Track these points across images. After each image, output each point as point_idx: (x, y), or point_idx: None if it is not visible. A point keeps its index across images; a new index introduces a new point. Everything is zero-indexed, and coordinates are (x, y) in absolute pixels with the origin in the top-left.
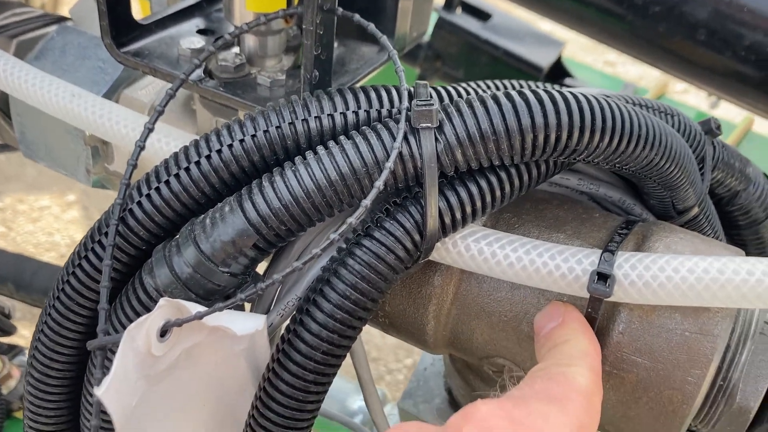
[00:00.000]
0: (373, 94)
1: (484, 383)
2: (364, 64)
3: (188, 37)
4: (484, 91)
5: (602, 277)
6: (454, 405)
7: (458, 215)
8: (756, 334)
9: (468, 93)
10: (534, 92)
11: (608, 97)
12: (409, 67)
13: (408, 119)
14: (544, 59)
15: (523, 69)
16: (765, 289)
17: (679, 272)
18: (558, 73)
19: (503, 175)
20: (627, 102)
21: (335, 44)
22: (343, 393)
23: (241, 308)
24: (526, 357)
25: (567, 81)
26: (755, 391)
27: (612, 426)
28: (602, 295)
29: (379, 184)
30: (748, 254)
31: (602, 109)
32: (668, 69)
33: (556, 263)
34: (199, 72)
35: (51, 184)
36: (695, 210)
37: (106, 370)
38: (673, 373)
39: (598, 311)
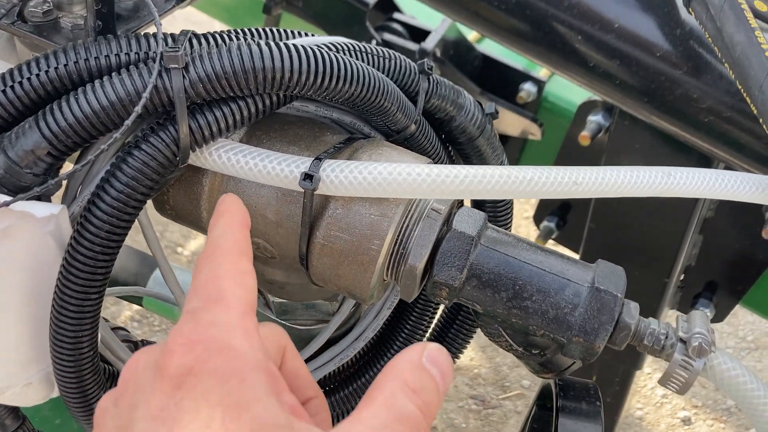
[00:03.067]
0: (142, 41)
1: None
2: (151, 13)
3: None
4: (233, 40)
5: (309, 177)
6: None
7: (206, 133)
8: (425, 217)
9: (224, 41)
10: (258, 44)
11: (322, 46)
12: None
13: (162, 60)
14: None
15: (352, 2)
16: (421, 186)
17: (363, 173)
18: (387, 7)
19: (241, 103)
20: (342, 51)
21: None
22: None
23: (49, 201)
24: (272, 236)
25: (395, 15)
26: (420, 255)
27: (331, 282)
28: (308, 188)
29: (138, 108)
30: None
31: (307, 56)
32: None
33: (281, 168)
34: (14, 16)
35: None
36: (412, 129)
37: None
38: (363, 243)
39: (311, 201)
